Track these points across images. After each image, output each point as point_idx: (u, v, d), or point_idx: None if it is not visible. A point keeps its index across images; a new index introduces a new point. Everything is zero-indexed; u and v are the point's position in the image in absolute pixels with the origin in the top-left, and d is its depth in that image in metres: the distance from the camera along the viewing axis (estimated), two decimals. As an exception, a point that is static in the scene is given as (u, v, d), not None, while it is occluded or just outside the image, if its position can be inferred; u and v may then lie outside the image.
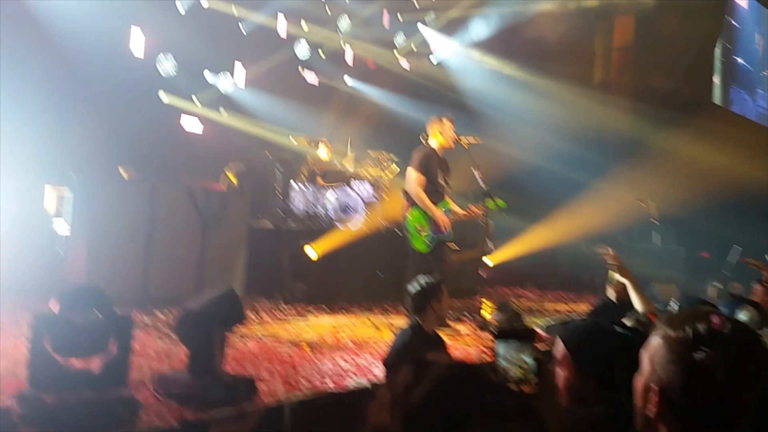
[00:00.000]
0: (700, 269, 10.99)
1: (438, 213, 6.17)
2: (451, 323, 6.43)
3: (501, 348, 1.48)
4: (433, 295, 3.80)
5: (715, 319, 1.31)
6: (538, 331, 6.17)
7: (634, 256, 10.67)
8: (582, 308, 8.85)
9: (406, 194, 6.40)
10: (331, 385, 3.76)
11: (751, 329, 1.37)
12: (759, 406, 1.27)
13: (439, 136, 6.35)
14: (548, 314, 8.11)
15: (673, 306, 4.50)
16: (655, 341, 1.35)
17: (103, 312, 2.92)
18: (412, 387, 1.02)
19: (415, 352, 3.28)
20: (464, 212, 6.43)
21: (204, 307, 3.16)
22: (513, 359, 1.48)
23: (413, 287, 3.88)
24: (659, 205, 11.08)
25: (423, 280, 3.91)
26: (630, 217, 11.25)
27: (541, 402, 1.40)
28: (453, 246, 6.98)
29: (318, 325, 6.02)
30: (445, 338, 4.04)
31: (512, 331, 1.56)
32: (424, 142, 6.50)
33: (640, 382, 1.37)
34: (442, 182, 6.38)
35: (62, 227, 6.63)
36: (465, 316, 7.01)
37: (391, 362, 3.55)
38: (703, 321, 1.31)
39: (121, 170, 6.91)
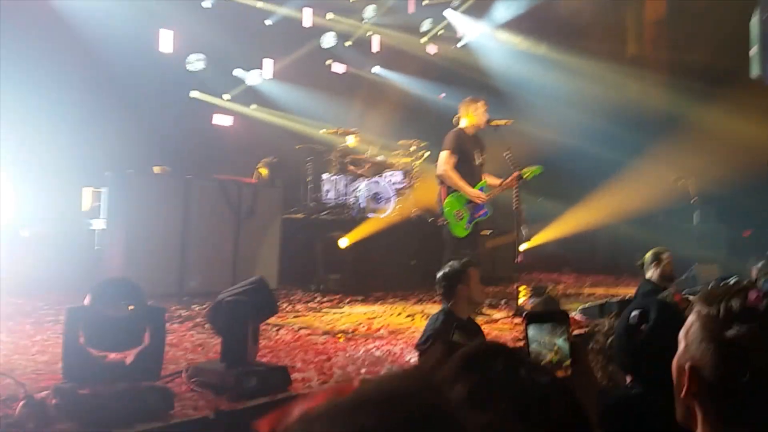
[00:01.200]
0: (742, 248, 10.66)
1: (470, 189, 6.10)
2: (487, 310, 6.37)
3: (532, 331, 1.41)
4: (460, 279, 3.70)
5: (752, 295, 1.23)
6: (573, 315, 6.09)
7: (675, 237, 10.44)
8: (621, 291, 8.69)
9: (440, 179, 6.33)
10: (366, 374, 3.74)
11: None
12: None
13: (471, 115, 6.28)
14: (585, 298, 7.97)
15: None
16: (690, 318, 1.29)
17: (136, 305, 2.94)
18: (440, 363, 0.97)
19: (446, 336, 3.23)
20: (501, 181, 6.29)
21: (237, 297, 3.17)
22: (545, 343, 1.40)
23: (441, 272, 3.81)
24: (698, 183, 10.79)
25: (450, 264, 3.83)
26: (669, 196, 10.98)
27: (576, 386, 1.33)
28: (486, 233, 6.90)
29: (352, 314, 6.01)
30: (479, 324, 3.94)
31: (544, 313, 1.49)
32: (456, 123, 6.43)
33: (675, 361, 1.31)
34: (478, 162, 6.31)
35: (99, 225, 6.75)
36: (501, 303, 6.95)
37: (423, 346, 3.50)
38: (738, 297, 1.24)
39: (155, 167, 6.99)
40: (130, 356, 2.88)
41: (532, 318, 1.46)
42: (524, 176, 6.14)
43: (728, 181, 10.71)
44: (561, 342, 1.41)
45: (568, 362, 1.39)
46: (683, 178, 10.79)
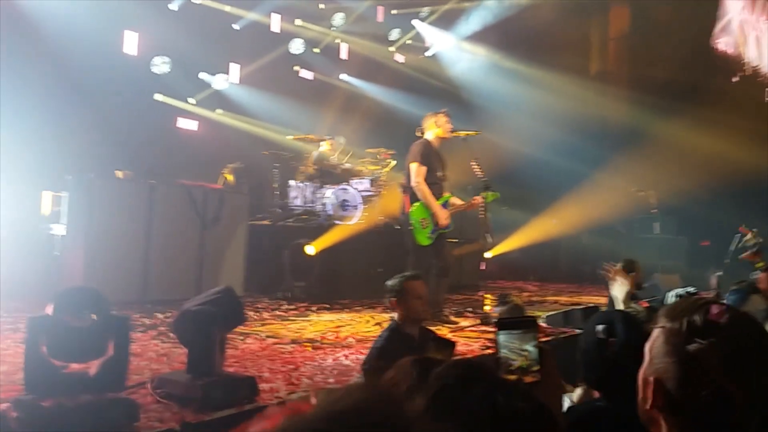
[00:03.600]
0: (701, 258, 10.96)
1: (439, 209, 6.14)
2: (453, 318, 6.40)
3: (502, 338, 1.47)
4: (406, 293, 3.55)
5: (714, 309, 1.26)
6: (540, 323, 6.17)
7: (636, 246, 10.67)
8: (584, 299, 8.83)
9: (405, 189, 6.35)
10: (334, 383, 3.72)
11: (754, 320, 1.31)
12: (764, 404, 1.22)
13: (435, 128, 6.32)
14: (550, 306, 8.08)
15: (671, 298, 4.46)
16: (655, 333, 1.32)
17: (100, 314, 2.87)
18: (415, 388, 0.97)
19: (393, 355, 3.10)
20: (463, 203, 6.40)
21: (203, 307, 3.12)
22: (515, 348, 1.46)
23: (387, 285, 3.65)
24: (659, 195, 11.06)
25: (397, 277, 3.66)
26: (630, 207, 11.23)
27: (543, 390, 1.37)
28: (452, 241, 6.93)
29: (319, 323, 5.98)
30: (431, 335, 3.67)
31: (513, 320, 1.54)
32: (420, 135, 6.46)
33: (641, 374, 1.34)
34: (441, 175, 6.35)
35: (59, 230, 6.59)
36: (467, 311, 7.00)
37: (369, 366, 3.34)
38: (700, 311, 1.26)
39: (118, 172, 6.85)
40: (93, 367, 2.81)
41: (502, 325, 1.51)
42: (486, 199, 6.22)
43: (687, 193, 11.01)
44: (530, 348, 1.46)
45: (536, 367, 1.45)
46: (644, 190, 11.05)
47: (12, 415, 2.46)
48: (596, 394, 2.15)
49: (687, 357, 1.24)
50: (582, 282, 10.83)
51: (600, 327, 2.11)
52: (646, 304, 3.81)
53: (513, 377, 1.42)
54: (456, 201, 6.40)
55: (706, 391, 1.21)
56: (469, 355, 4.62)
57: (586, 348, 2.13)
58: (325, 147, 9.08)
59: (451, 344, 3.50)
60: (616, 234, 11.58)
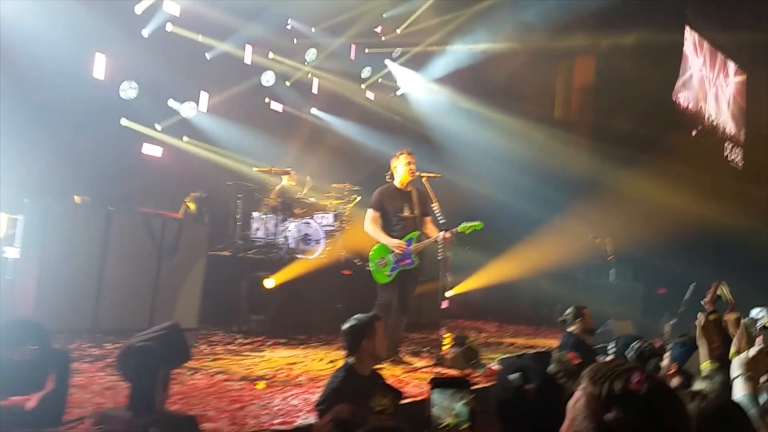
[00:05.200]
0: (655, 306, 11.18)
1: (389, 239, 6.22)
2: (408, 358, 6.42)
3: (435, 396, 1.53)
4: (364, 335, 3.58)
5: (635, 378, 1.28)
6: (491, 366, 6.21)
7: (592, 292, 10.85)
8: (540, 342, 8.92)
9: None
10: (279, 425, 3.70)
11: (672, 392, 1.33)
12: None
13: (396, 169, 6.43)
14: (506, 348, 8.15)
15: (611, 347, 4.55)
16: (577, 393, 1.34)
17: (41, 346, 2.84)
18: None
19: (346, 396, 3.12)
20: (428, 241, 6.42)
21: (147, 343, 3.09)
22: (446, 407, 1.52)
23: (347, 324, 3.66)
24: (616, 243, 11.31)
25: (357, 318, 3.68)
26: (587, 253, 11.45)
27: None
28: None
29: (272, 359, 5.93)
30: (380, 379, 3.67)
31: (446, 380, 1.60)
32: (388, 179, 6.57)
33: (562, 430, 1.36)
34: (408, 214, 6.41)
35: (12, 254, 6.46)
36: (424, 351, 7.01)
37: (324, 407, 3.31)
38: (621, 379, 1.28)
39: (76, 196, 6.77)
40: (32, 401, 2.76)
41: (436, 383, 1.57)
42: (462, 230, 6.32)
43: (644, 241, 11.29)
44: (460, 407, 1.53)
45: (465, 426, 1.51)
46: (600, 237, 11.29)
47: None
48: None
49: (604, 424, 1.26)
50: (539, 324, 10.94)
51: (514, 376, 2.09)
52: (572, 355, 3.86)
53: None
54: (431, 233, 6.43)
55: None
56: (420, 398, 4.63)
57: (503, 398, 2.09)
58: (288, 180, 9.10)
59: (398, 393, 3.51)
60: (574, 279, 11.77)
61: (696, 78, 15.97)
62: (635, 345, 4.41)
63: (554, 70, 13.98)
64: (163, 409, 3.14)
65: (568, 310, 5.86)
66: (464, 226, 6.36)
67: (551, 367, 3.43)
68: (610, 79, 13.57)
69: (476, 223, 6.40)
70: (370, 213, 6.41)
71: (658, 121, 13.92)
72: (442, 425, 1.52)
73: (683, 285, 10.40)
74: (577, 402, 1.33)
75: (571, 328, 5.78)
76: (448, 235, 6.32)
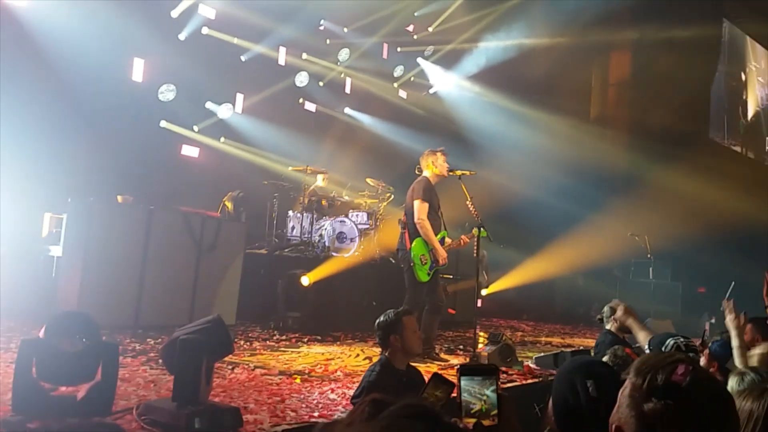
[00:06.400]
0: (696, 304, 10.98)
1: (440, 248, 6.24)
2: (444, 355, 6.43)
3: (464, 383, 1.58)
4: (393, 329, 3.59)
5: (680, 370, 1.28)
6: (528, 363, 6.18)
7: (631, 290, 10.70)
8: (576, 342, 8.83)
9: (405, 225, 6.42)
10: (318, 417, 3.74)
11: (717, 384, 1.33)
12: None
13: (432, 167, 6.42)
14: (542, 347, 8.09)
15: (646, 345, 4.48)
16: (626, 382, 1.36)
17: (91, 339, 2.93)
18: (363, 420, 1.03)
19: (382, 389, 3.15)
20: (454, 241, 6.49)
21: (192, 336, 3.17)
22: (475, 393, 1.56)
23: (378, 320, 3.69)
24: (654, 240, 11.12)
25: (386, 313, 3.70)
26: (626, 251, 11.28)
27: None
28: (448, 277, 6.99)
29: (309, 354, 5.99)
30: (418, 372, 3.74)
31: (476, 366, 1.63)
32: (419, 173, 6.56)
33: (610, 417, 1.38)
34: (439, 212, 6.44)
35: (57, 252, 6.65)
36: (459, 348, 7.01)
37: (357, 399, 3.40)
38: (664, 371, 1.29)
39: (119, 196, 6.94)
40: (81, 391, 2.85)
41: (464, 371, 1.61)
42: (477, 236, 6.30)
43: (684, 239, 11.08)
44: (489, 393, 1.56)
45: (495, 412, 1.54)
46: (638, 234, 11.12)
47: (-2, 437, 2.50)
48: None
49: (643, 414, 1.28)
50: (576, 323, 10.84)
51: (590, 382, 2.05)
52: (629, 351, 3.83)
53: (472, 420, 1.49)
54: (448, 240, 6.50)
55: None
56: (454, 395, 4.62)
57: (571, 404, 2.07)
58: (322, 179, 9.19)
59: (451, 385, 3.52)
60: (611, 277, 11.62)
61: (735, 70, 15.63)
62: (669, 342, 4.35)
63: (590, 66, 13.80)
64: (207, 400, 3.21)
65: (606, 308, 5.81)
66: (484, 232, 6.30)
67: (606, 358, 3.43)
68: (647, 74, 13.35)
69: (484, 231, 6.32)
70: (421, 205, 6.23)
71: (696, 114, 13.66)
72: (472, 411, 1.55)
73: (723, 283, 10.19)
74: (623, 391, 1.36)
75: (609, 326, 5.73)
76: (466, 238, 6.37)
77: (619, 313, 4.79)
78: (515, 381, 5.40)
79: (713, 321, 9.22)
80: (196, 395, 3.07)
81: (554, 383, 2.20)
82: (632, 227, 11.13)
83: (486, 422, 1.51)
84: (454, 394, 1.64)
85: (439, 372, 1.96)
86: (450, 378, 1.78)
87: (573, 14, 11.46)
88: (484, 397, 1.55)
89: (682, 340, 4.36)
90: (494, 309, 11.09)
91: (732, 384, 2.44)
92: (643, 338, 4.11)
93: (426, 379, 3.85)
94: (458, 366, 1.68)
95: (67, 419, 2.72)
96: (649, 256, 11.16)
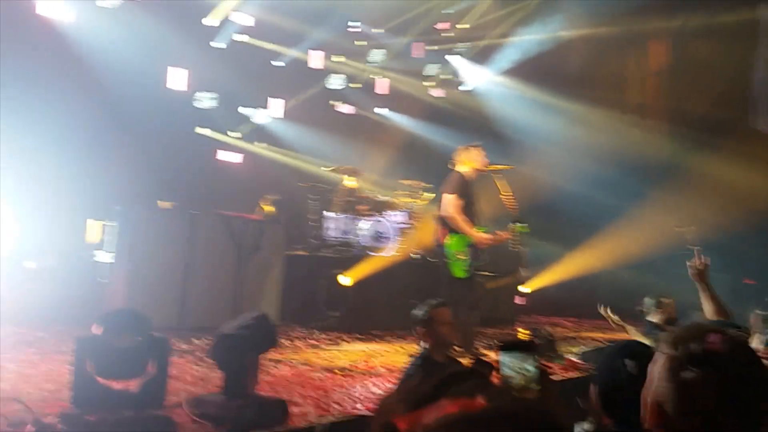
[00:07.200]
0: (742, 296, 10.69)
1: (476, 232, 6.11)
2: (483, 350, 6.38)
3: (505, 358, 1.61)
4: (430, 321, 3.66)
5: (713, 338, 1.29)
6: (571, 357, 6.11)
7: (676, 283, 10.46)
8: (619, 336, 8.68)
9: (441, 220, 6.38)
10: (363, 410, 3.78)
11: (751, 351, 1.34)
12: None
13: (468, 162, 6.35)
14: (584, 342, 7.98)
15: None
16: (658, 356, 1.37)
17: (142, 335, 3.01)
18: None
19: (423, 382, 3.15)
20: (491, 237, 6.37)
21: (238, 331, 3.23)
22: (516, 368, 1.59)
23: (414, 314, 3.75)
24: (699, 230, 10.86)
25: (423, 305, 3.76)
26: (669, 243, 11.03)
27: (543, 406, 1.46)
28: (487, 274, 6.93)
29: (351, 351, 6.04)
30: (461, 362, 3.73)
31: (515, 342, 1.67)
32: (452, 168, 6.51)
33: (643, 394, 1.38)
34: (476, 208, 6.38)
35: (104, 258, 6.83)
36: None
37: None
38: (699, 340, 1.30)
39: (161, 202, 7.11)
40: (135, 385, 2.94)
41: (504, 346, 1.64)
42: (517, 230, 6.18)
43: (730, 229, 10.78)
44: (530, 367, 1.59)
45: (535, 385, 1.57)
46: (684, 226, 10.86)
47: (59, 429, 2.59)
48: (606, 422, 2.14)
49: (682, 384, 1.29)
50: (621, 318, 10.64)
51: (629, 362, 2.07)
52: None
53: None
54: (485, 235, 6.39)
55: (699, 418, 1.25)
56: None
57: (611, 382, 2.08)
58: (357, 179, 9.23)
59: (492, 366, 3.53)
60: (655, 270, 11.37)
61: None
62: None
63: (627, 55, 13.56)
64: (254, 393, 3.27)
65: (646, 300, 5.73)
66: (520, 226, 6.18)
67: (650, 342, 3.39)
68: (686, 61, 13.06)
69: (523, 225, 6.20)
70: (453, 199, 6.08)
71: (736, 101, 13.29)
72: (513, 385, 1.59)
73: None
74: (656, 365, 1.36)
75: (651, 318, 5.65)
76: (504, 234, 6.26)
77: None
78: (556, 375, 5.36)
79: (761, 313, 8.95)
80: (245, 388, 3.13)
81: (597, 368, 2.20)
82: (677, 218, 10.88)
83: (528, 394, 1.54)
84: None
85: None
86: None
87: (610, 4, 11.27)
88: (525, 371, 1.59)
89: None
90: (534, 305, 10.94)
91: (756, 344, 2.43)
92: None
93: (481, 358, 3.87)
94: (497, 342, 1.71)
95: (123, 412, 2.80)
96: (695, 247, 10.90)
